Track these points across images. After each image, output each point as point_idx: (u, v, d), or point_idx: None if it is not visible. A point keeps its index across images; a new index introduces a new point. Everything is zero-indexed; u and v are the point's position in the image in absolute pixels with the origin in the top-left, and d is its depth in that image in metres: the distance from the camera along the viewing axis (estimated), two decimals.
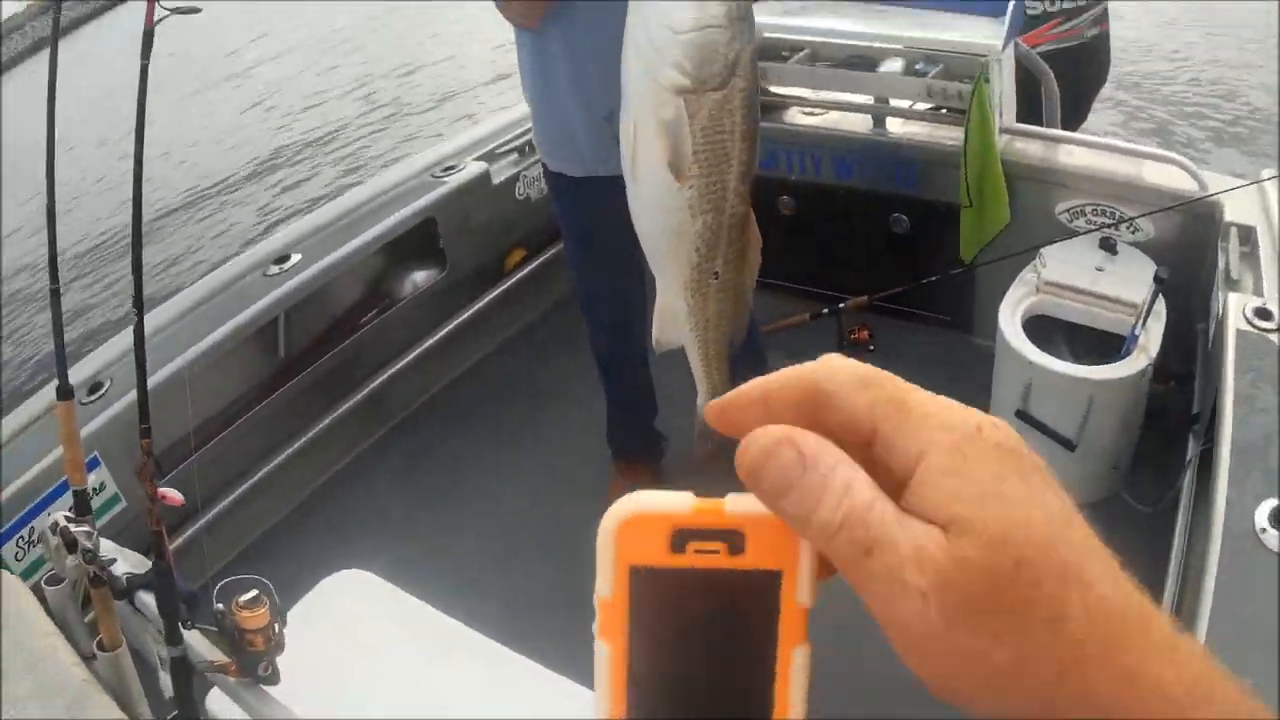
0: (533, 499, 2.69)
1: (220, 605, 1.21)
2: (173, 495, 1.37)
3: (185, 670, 1.29)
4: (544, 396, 3.11)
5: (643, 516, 0.31)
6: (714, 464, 1.49)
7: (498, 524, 2.65)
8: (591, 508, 0.36)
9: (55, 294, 1.49)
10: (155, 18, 1.35)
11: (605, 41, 1.72)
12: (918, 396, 0.30)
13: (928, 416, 0.30)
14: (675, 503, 0.32)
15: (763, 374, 0.33)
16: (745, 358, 1.94)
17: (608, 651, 0.32)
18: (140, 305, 1.32)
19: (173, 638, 1.28)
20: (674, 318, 1.55)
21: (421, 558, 2.16)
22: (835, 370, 0.31)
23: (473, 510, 2.71)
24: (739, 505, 0.32)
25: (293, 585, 1.66)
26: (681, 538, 0.31)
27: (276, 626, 1.21)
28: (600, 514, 0.32)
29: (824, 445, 0.30)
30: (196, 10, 1.39)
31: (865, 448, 0.30)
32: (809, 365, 0.32)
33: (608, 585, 0.32)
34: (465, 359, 3.26)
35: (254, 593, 1.20)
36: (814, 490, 0.29)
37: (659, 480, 2.60)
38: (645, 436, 2.65)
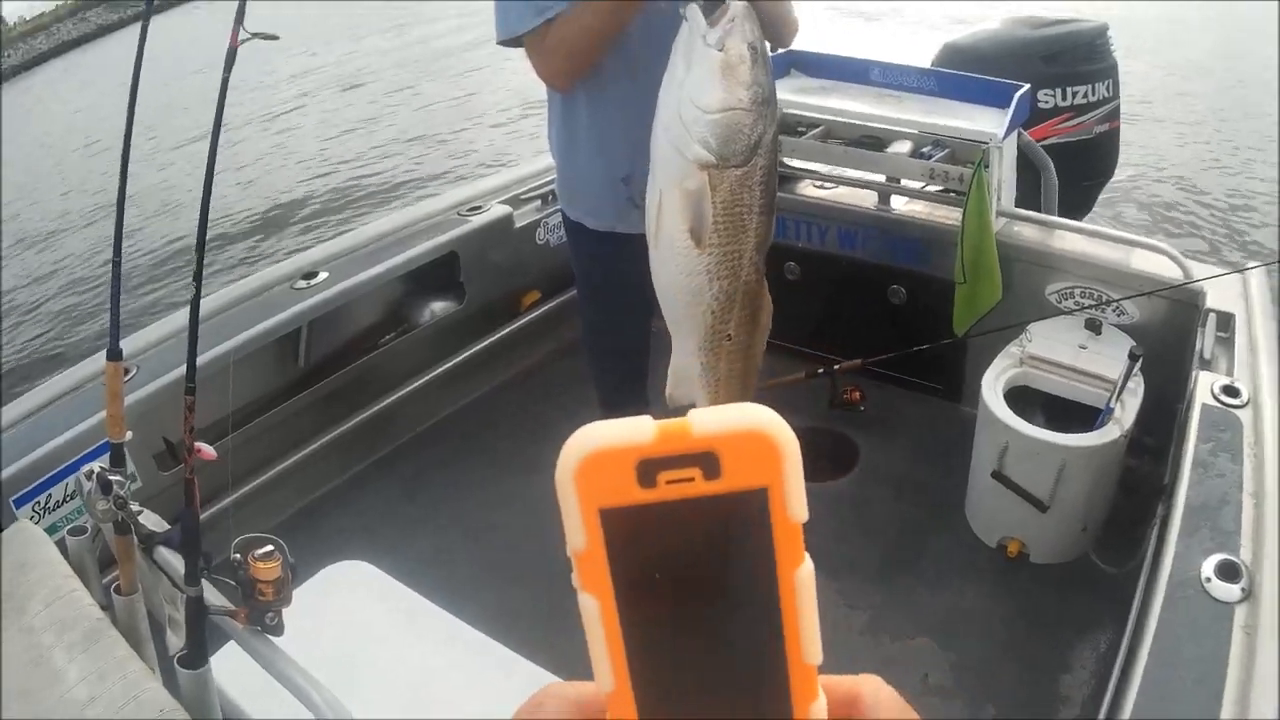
0: (525, 525, 2.79)
1: (237, 555, 1.30)
2: (207, 450, 1.44)
3: (200, 610, 1.37)
4: (545, 432, 3.21)
5: (602, 453, 0.28)
6: None
7: (491, 543, 2.75)
8: None
9: (117, 265, 1.66)
10: (239, 39, 1.47)
11: (629, 111, 1.83)
12: None
13: None
14: (635, 431, 0.29)
15: None
16: None
17: (595, 605, 0.29)
18: (199, 277, 1.42)
19: (192, 578, 1.36)
20: (688, 376, 1.61)
21: (416, 566, 2.26)
22: (879, 690, 0.32)
23: (467, 529, 2.82)
24: (706, 423, 0.29)
25: (295, 577, 1.78)
26: (649, 469, 0.28)
27: (286, 581, 1.30)
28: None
29: None
30: (275, 38, 1.51)
31: None
32: (855, 678, 0.33)
33: (579, 535, 0.29)
34: (474, 389, 3.39)
35: (269, 548, 1.30)
36: None
37: None
38: None
